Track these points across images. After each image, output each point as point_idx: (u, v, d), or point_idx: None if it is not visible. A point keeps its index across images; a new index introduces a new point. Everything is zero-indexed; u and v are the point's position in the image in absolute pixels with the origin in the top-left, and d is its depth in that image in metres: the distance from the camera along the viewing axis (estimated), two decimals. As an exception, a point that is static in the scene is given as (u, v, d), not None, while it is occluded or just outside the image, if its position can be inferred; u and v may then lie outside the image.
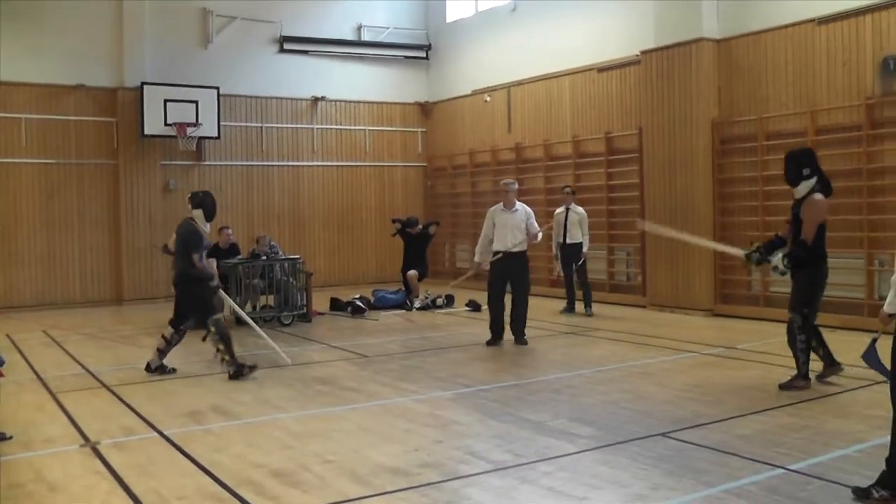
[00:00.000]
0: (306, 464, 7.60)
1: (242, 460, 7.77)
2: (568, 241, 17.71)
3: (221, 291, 12.75)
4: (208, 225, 12.37)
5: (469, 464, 7.59)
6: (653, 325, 16.19)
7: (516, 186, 14.99)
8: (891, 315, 6.19)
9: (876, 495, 6.21)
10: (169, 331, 12.19)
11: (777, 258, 10.51)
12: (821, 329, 10.91)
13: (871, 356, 6.66)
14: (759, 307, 16.41)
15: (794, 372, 10.59)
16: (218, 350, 11.81)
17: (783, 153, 15.84)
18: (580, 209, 17.96)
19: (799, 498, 6.50)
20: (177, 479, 7.27)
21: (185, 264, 12.00)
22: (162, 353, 12.21)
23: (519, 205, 14.70)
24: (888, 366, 6.36)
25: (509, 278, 14.40)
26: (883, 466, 6.39)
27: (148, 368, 12.16)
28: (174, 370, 12.26)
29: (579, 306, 17.96)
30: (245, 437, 8.64)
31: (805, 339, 10.41)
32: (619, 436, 8.40)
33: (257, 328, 13.58)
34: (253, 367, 11.75)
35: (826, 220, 10.49)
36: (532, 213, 14.83)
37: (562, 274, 18.32)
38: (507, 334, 14.44)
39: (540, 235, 14.91)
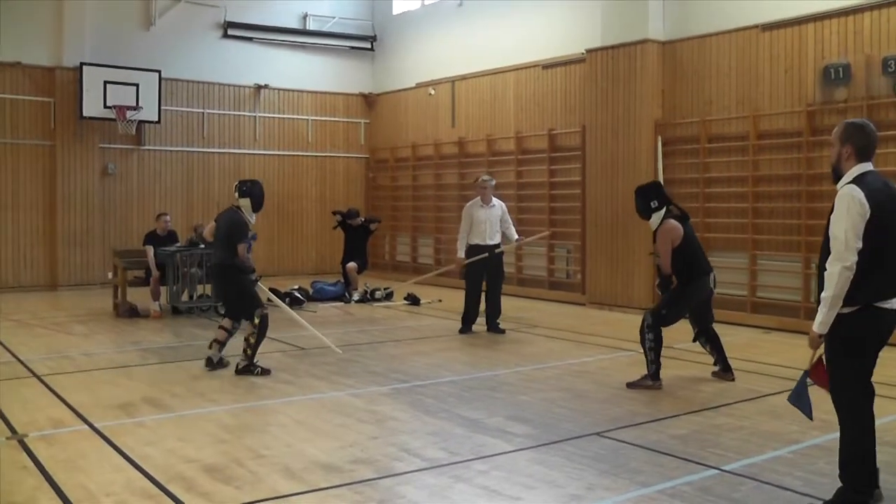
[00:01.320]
0: (239, 459, 7.51)
1: (174, 455, 7.65)
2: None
3: (260, 284, 12.29)
4: (255, 216, 11.94)
5: (404, 461, 7.54)
6: (591, 323, 16.24)
7: (494, 182, 15.31)
8: (821, 336, 6.17)
9: None
10: (228, 321, 11.74)
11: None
12: (719, 336, 11.26)
13: (799, 396, 6.61)
14: (697, 308, 16.53)
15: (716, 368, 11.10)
16: (246, 339, 11.32)
17: (726, 156, 16.16)
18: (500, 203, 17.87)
19: (732, 499, 6.53)
20: (106, 473, 7.13)
21: (226, 255, 11.50)
22: (222, 345, 11.69)
23: (495, 200, 15.20)
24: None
25: (487, 271, 14.99)
26: (817, 467, 6.42)
27: (209, 364, 11.59)
28: (227, 363, 11.77)
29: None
30: (177, 431, 8.52)
31: (653, 338, 10.69)
32: (555, 435, 8.39)
33: (301, 320, 13.31)
34: (266, 371, 11.31)
35: (692, 240, 10.81)
36: (506, 209, 15.42)
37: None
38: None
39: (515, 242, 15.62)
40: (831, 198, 6.15)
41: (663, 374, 10.73)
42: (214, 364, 11.58)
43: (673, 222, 10.64)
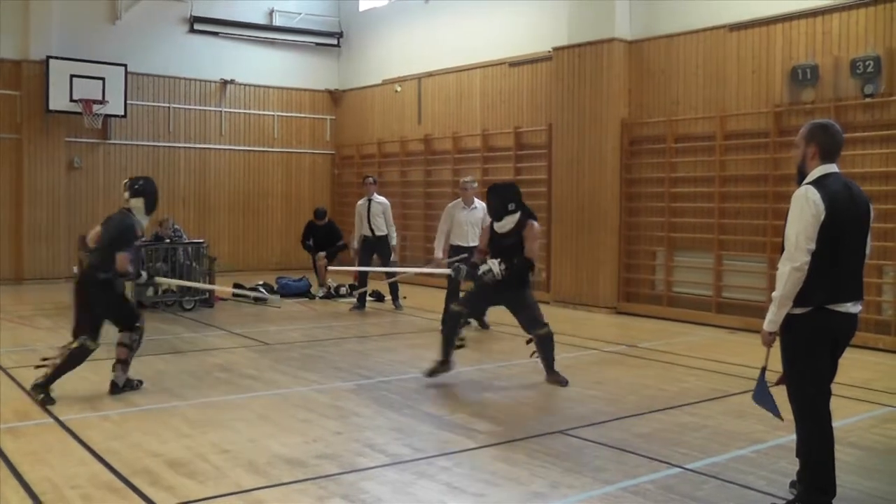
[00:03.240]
0: (203, 453, 7.51)
1: (138, 449, 7.63)
2: (376, 233, 17.57)
3: (160, 280, 11.53)
4: (147, 218, 10.30)
5: (367, 456, 7.55)
6: (556, 321, 16.05)
7: (476, 185, 15.22)
8: (772, 334, 6.19)
9: None
10: (126, 335, 9.99)
11: (493, 263, 10.55)
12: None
13: (762, 395, 6.61)
14: (662, 306, 16.61)
15: (549, 374, 10.84)
16: (120, 344, 10.02)
17: (692, 156, 16.20)
18: (383, 199, 17.96)
19: (695, 497, 6.56)
20: (71, 467, 7.12)
21: (102, 263, 9.86)
22: (126, 364, 10.06)
23: (477, 202, 14.98)
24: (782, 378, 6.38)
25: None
26: (780, 466, 6.46)
27: (114, 388, 9.97)
28: (141, 382, 10.43)
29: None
30: (142, 425, 8.50)
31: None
32: (519, 432, 8.41)
33: (207, 286, 12.98)
34: (140, 383, 10.22)
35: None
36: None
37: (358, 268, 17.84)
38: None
39: None
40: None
41: (624, 372, 10.83)
42: (121, 388, 9.94)
43: (538, 225, 10.85)
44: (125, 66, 22.34)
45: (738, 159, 15.70)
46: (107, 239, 9.97)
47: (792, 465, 6.55)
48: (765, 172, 15.19)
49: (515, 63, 20.43)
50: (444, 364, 10.71)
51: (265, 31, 25.56)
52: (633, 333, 14.77)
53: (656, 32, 17.06)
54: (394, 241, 17.84)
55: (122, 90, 22.23)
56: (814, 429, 6.14)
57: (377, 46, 25.33)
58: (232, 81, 24.92)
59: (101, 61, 22.02)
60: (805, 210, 5.96)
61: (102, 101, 21.73)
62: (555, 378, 10.61)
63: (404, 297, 17.68)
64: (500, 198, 10.72)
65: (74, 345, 9.64)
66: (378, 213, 17.52)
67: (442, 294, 14.82)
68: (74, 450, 7.65)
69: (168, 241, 17.09)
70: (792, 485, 6.53)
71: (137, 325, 10.08)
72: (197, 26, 24.28)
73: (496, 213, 10.76)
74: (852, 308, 6.10)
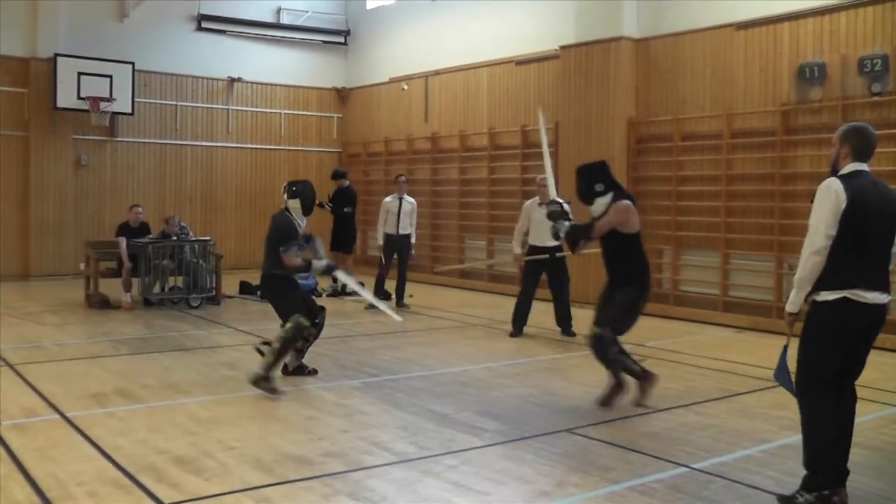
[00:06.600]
0: (209, 450, 7.51)
1: (145, 446, 7.64)
2: (400, 231, 17.49)
3: (340, 273, 11.87)
4: (305, 219, 10.86)
5: (373, 454, 7.55)
6: (562, 319, 16.24)
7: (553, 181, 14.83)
8: (792, 315, 6.28)
9: (801, 500, 6.22)
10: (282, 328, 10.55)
11: (563, 224, 10.02)
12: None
13: (781, 371, 6.63)
14: (669, 305, 16.56)
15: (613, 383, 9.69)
16: (269, 344, 10.39)
17: (699, 154, 16.14)
18: (412, 199, 17.92)
19: (702, 497, 6.55)
20: (77, 463, 7.12)
21: (270, 263, 10.64)
22: (298, 352, 10.89)
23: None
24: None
25: (548, 275, 14.38)
26: (788, 466, 6.44)
27: (285, 370, 10.77)
28: (315, 371, 11.06)
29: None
30: (148, 422, 8.51)
31: (617, 349, 9.52)
32: (525, 431, 8.40)
33: (367, 295, 12.87)
34: (312, 371, 10.93)
35: (639, 230, 9.61)
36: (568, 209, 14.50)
37: (385, 265, 17.81)
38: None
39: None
40: (805, 197, 6.24)
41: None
42: (290, 371, 10.82)
43: (630, 204, 9.44)
44: (132, 63, 22.38)
45: (746, 158, 15.67)
46: (273, 240, 10.66)
47: (799, 466, 6.53)
48: (772, 171, 15.14)
49: (522, 62, 20.41)
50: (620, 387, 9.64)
51: (272, 29, 25.57)
52: (639, 332, 14.56)
53: (663, 31, 17.04)
54: (413, 240, 17.85)
55: (129, 88, 22.26)
56: (810, 414, 6.26)
57: (384, 44, 25.34)
58: (239, 79, 24.93)
59: (109, 59, 22.04)
60: (826, 199, 6.12)
61: (110, 99, 21.72)
62: (605, 399, 9.51)
63: (410, 296, 17.67)
64: (585, 179, 9.66)
65: (289, 324, 10.24)
66: (408, 212, 17.49)
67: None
68: (80, 446, 7.66)
69: (175, 238, 17.09)
70: None
71: (317, 321, 10.85)
72: (204, 24, 24.30)
73: (583, 196, 9.71)
74: (876, 298, 6.15)
